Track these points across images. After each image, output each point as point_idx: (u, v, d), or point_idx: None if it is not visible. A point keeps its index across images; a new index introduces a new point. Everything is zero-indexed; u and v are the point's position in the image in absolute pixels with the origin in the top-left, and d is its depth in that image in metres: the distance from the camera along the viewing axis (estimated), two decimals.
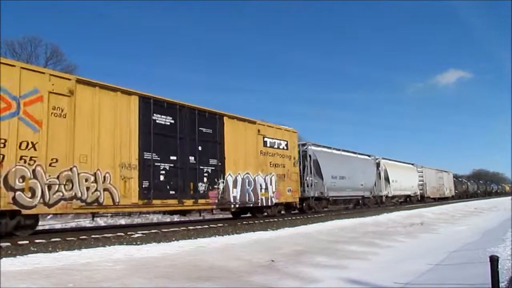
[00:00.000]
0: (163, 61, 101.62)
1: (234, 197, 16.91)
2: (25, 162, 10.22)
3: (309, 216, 20.81)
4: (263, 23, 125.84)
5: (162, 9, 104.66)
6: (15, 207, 9.99)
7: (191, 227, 14.41)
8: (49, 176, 10.65)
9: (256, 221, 17.16)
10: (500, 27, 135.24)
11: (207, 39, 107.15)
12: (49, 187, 10.65)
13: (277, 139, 19.95)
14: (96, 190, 11.72)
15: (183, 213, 19.93)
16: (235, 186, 16.95)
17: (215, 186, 15.98)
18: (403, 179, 36.42)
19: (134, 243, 10.97)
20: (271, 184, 19.04)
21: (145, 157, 13.24)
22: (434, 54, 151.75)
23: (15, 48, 35.92)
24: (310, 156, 23.64)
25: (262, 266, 9.22)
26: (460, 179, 62.02)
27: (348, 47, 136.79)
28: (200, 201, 15.33)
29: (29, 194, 10.22)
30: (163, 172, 13.86)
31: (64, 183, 10.95)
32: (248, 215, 20.00)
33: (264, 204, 18.63)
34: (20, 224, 10.49)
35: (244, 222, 16.65)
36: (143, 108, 13.42)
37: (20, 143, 10.16)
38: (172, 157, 14.20)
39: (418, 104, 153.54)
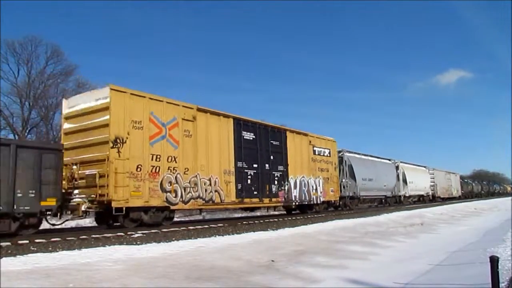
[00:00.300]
0: (163, 61, 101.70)
1: (295, 196, 20.35)
2: (170, 171, 13.83)
3: (309, 216, 20.82)
4: (263, 23, 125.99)
5: (162, 9, 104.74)
6: (166, 204, 13.63)
7: (191, 227, 14.40)
8: (184, 181, 14.29)
9: (256, 221, 17.18)
10: (500, 26, 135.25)
11: (207, 39, 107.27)
12: (184, 189, 14.31)
13: (323, 148, 23.65)
14: (210, 191, 15.38)
15: (252, 209, 22.80)
16: (295, 187, 20.44)
17: (282, 187, 19.47)
18: (418, 181, 39.93)
19: (134, 243, 10.96)
20: (319, 185, 22.62)
21: (238, 165, 16.81)
22: (434, 54, 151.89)
23: (15, 48, 35.88)
24: (345, 161, 27.48)
25: (263, 266, 9.21)
26: (465, 180, 65.34)
27: (348, 46, 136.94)
28: (273, 199, 18.87)
29: (174, 195, 13.88)
30: (250, 176, 17.40)
31: (193, 186, 14.64)
32: (297, 211, 22.99)
33: (315, 202, 22.22)
34: (166, 216, 14.08)
35: (244, 222, 16.65)
36: (236, 128, 17.05)
37: (168, 158, 13.79)
38: (254, 165, 17.72)
39: (419, 103, 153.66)
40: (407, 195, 37.27)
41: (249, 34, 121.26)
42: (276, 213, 25.17)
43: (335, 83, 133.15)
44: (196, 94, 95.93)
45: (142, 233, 12.27)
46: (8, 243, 9.61)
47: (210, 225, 15.38)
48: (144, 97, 13.48)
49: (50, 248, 9.55)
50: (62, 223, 13.04)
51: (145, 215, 13.23)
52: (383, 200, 33.47)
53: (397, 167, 36.08)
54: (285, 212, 23.67)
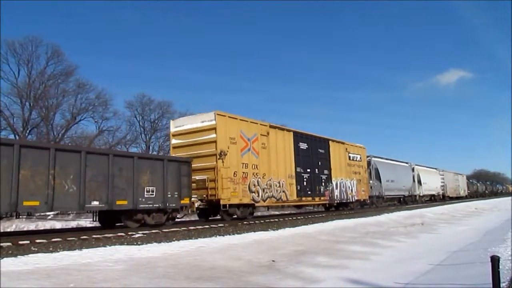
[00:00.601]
0: (163, 61, 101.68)
1: (337, 196, 24.05)
2: (254, 176, 17.47)
3: (309, 216, 20.83)
4: (263, 23, 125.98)
5: (162, 9, 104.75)
6: (252, 202, 17.27)
7: (191, 227, 14.39)
8: (263, 184, 17.88)
9: (257, 221, 17.18)
10: (500, 26, 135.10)
11: (207, 39, 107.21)
12: (263, 190, 17.86)
13: (355, 154, 27.48)
14: (280, 191, 18.94)
15: (300, 206, 26.31)
16: (336, 188, 24.10)
17: (328, 188, 23.19)
18: (430, 181, 43.74)
19: (135, 243, 10.96)
20: (353, 186, 26.39)
21: (297, 170, 20.49)
22: (435, 54, 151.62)
23: (16, 48, 35.89)
24: (372, 165, 31.17)
25: (263, 266, 9.22)
26: (471, 180, 69.26)
27: (348, 46, 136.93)
28: (322, 198, 22.68)
29: (257, 195, 17.44)
30: (305, 179, 21.17)
31: (268, 187, 18.21)
32: (332, 209, 26.39)
33: (350, 201, 25.96)
34: (250, 211, 17.90)
35: (245, 222, 16.65)
36: (295, 139, 20.78)
37: (252, 165, 17.41)
38: (308, 170, 21.47)
39: (419, 103, 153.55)
40: (421, 194, 41.05)
41: (249, 34, 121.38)
42: (316, 210, 29.35)
43: (335, 83, 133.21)
44: (196, 94, 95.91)
45: (143, 233, 12.28)
46: (9, 244, 9.62)
47: (211, 225, 15.37)
48: (236, 118, 17.19)
49: (51, 248, 9.55)
50: (182, 217, 15.90)
51: (237, 210, 16.77)
52: (401, 199, 37.03)
53: (413, 169, 39.91)
54: (323, 209, 27.29)
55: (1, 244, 9.47)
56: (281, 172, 19.29)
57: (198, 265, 8.76)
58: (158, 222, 13.78)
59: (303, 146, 21.44)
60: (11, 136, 34.71)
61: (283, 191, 19.21)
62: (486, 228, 19.09)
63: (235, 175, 16.41)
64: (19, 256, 8.48)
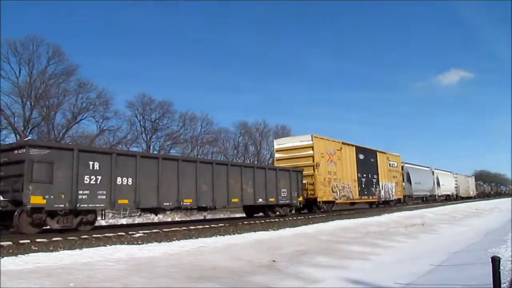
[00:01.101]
0: (164, 61, 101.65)
1: (382, 195, 30.72)
2: (334, 180, 23.59)
3: (310, 216, 20.83)
4: (263, 23, 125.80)
5: (163, 8, 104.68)
6: (333, 199, 23.49)
7: (192, 227, 14.40)
8: (339, 186, 23.95)
9: (257, 221, 17.18)
10: (501, 25, 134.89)
11: (208, 40, 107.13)
12: (339, 191, 23.96)
13: (393, 161, 34.04)
14: (349, 192, 25.32)
15: (353, 203, 29.86)
16: (382, 189, 30.66)
17: (377, 189, 29.70)
18: (446, 183, 50.76)
19: (135, 242, 10.96)
20: (393, 188, 32.93)
21: (358, 176, 26.91)
22: (435, 54, 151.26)
23: (17, 48, 35.89)
24: (405, 170, 37.43)
25: (264, 266, 9.21)
26: (478, 182, 75.12)
27: (349, 46, 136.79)
28: (373, 197, 29.41)
29: (336, 194, 23.68)
30: (363, 182, 27.61)
31: (342, 189, 24.24)
32: (373, 206, 32.75)
33: (391, 199, 32.57)
34: (331, 207, 23.88)
35: (246, 222, 16.65)
36: (356, 152, 27.16)
37: (333, 172, 23.48)
38: (364, 175, 27.85)
39: (419, 103, 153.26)
40: (439, 194, 47.68)
41: (249, 35, 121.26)
42: (363, 207, 33.07)
43: (335, 83, 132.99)
44: (197, 94, 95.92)
45: (143, 233, 12.29)
46: (10, 243, 9.63)
47: (211, 225, 15.38)
48: (323, 138, 23.83)
49: (51, 248, 9.55)
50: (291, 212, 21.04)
51: (324, 205, 23.04)
52: (424, 198, 43.38)
53: (433, 173, 46.48)
54: (367, 206, 32.75)
55: (2, 243, 9.48)
56: (349, 177, 25.85)
57: (199, 265, 8.76)
58: (285, 213, 20.13)
59: (361, 157, 27.70)
60: (12, 135, 34.79)
61: (351, 191, 25.80)
62: (487, 229, 19.08)
63: (324, 180, 22.91)
64: (19, 255, 8.47)
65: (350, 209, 28.22)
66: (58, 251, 9.27)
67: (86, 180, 11.54)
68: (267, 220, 17.88)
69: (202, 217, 22.51)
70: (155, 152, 43.46)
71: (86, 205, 11.53)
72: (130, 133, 44.60)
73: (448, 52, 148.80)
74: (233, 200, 16.70)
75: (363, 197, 27.52)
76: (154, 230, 12.98)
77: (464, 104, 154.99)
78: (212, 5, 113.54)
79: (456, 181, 55.22)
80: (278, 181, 19.21)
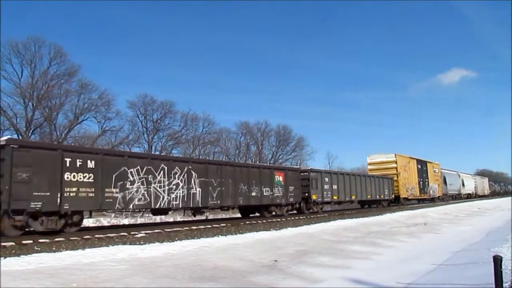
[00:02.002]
0: (166, 61, 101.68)
1: (431, 193, 43.60)
2: (407, 183, 37.27)
3: (312, 216, 20.84)
4: (264, 23, 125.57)
5: (165, 9, 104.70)
6: (407, 196, 37.36)
7: (194, 227, 14.42)
8: (409, 187, 37.56)
9: (259, 221, 17.21)
10: (503, 24, 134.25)
11: (209, 40, 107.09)
12: (409, 190, 37.58)
13: (435, 168, 46.65)
14: (414, 191, 38.52)
15: (408, 199, 39.20)
16: (430, 189, 43.45)
17: (428, 189, 42.62)
18: (468, 184, 62.37)
19: (138, 243, 10.99)
20: (436, 188, 45.84)
21: (418, 180, 40.21)
22: (437, 53, 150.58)
23: (19, 49, 35.94)
24: (442, 174, 49.92)
25: (265, 266, 9.23)
26: (491, 182, 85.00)
27: (350, 46, 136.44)
28: (426, 195, 41.79)
29: (409, 193, 37.67)
30: (421, 184, 40.80)
31: (411, 189, 37.95)
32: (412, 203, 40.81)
33: (436, 196, 45.20)
34: (406, 201, 37.62)
35: (247, 222, 16.68)
36: (416, 163, 40.62)
37: (406, 178, 37.07)
38: (420, 179, 40.77)
39: (421, 103, 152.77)
40: (463, 193, 58.74)
41: (250, 35, 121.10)
42: (415, 204, 39.18)
43: (336, 83, 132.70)
44: (198, 94, 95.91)
45: (145, 233, 12.32)
46: (13, 243, 9.67)
47: (213, 225, 15.41)
48: (401, 155, 36.38)
49: (54, 248, 9.60)
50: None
51: (404, 200, 35.90)
52: (453, 196, 54.11)
53: (459, 176, 58.46)
54: (417, 202, 41.41)
55: (5, 244, 9.52)
56: (413, 181, 39.13)
57: (201, 265, 8.77)
58: (386, 205, 32.66)
59: (419, 166, 41.18)
60: (14, 136, 34.84)
61: (415, 191, 39.02)
62: (489, 228, 19.04)
63: (403, 183, 35.79)
64: (22, 256, 8.51)
65: (353, 209, 29.74)
66: (60, 251, 9.31)
67: None
68: (268, 220, 17.90)
69: (204, 217, 22.52)
70: (157, 152, 43.50)
71: None
72: (132, 134, 44.60)
73: (450, 51, 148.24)
74: (353, 196, 27.65)
75: (421, 194, 40.94)
76: (156, 231, 13.01)
77: (465, 103, 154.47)
78: (213, 5, 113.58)
79: (475, 182, 67.33)
80: (381, 184, 32.17)
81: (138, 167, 13.54)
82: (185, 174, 15.15)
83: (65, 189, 11.28)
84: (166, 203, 14.32)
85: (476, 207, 37.62)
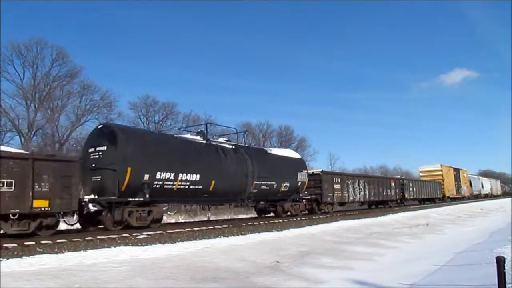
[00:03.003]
0: (168, 62, 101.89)
1: (463, 193, 58.24)
2: (448, 186, 52.37)
3: (314, 217, 20.82)
4: (265, 23, 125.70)
5: (166, 10, 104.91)
6: (449, 195, 52.35)
7: (196, 228, 14.42)
8: (450, 188, 52.35)
9: (261, 222, 17.19)
10: (506, 24, 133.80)
11: (210, 41, 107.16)
12: (450, 191, 52.26)
13: (464, 174, 60.46)
14: (453, 191, 53.78)
15: (443, 198, 50.23)
16: (462, 190, 58.25)
17: (460, 190, 57.40)
18: (486, 185, 74.79)
19: (140, 244, 10.99)
20: (465, 189, 60.14)
21: (454, 183, 55.03)
22: (439, 53, 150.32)
23: (21, 50, 36.06)
24: (469, 178, 62.78)
25: (267, 267, 9.22)
26: (502, 184, 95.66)
27: (351, 46, 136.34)
28: (459, 194, 55.84)
29: (450, 193, 52.21)
30: (456, 186, 55.74)
31: (452, 189, 53.29)
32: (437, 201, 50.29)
33: (465, 196, 59.19)
34: (448, 199, 52.07)
35: (249, 223, 16.67)
36: (453, 170, 55.87)
37: (446, 182, 51.53)
38: (456, 182, 56.24)
39: (424, 104, 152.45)
40: (483, 194, 70.20)
41: (251, 35, 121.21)
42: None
43: (337, 83, 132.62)
44: (201, 95, 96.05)
45: (147, 234, 12.33)
46: (15, 244, 9.69)
47: (215, 226, 15.41)
48: (444, 165, 51.72)
49: (56, 249, 9.60)
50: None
51: (447, 198, 50.32)
52: (476, 196, 65.47)
53: (479, 179, 72.26)
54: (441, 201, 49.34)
55: (7, 245, 9.54)
56: (451, 184, 52.35)
57: (203, 266, 8.77)
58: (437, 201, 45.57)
59: (455, 173, 54.40)
60: (16, 138, 34.95)
61: (453, 191, 52.39)
62: (492, 229, 18.99)
63: (446, 186, 49.63)
64: (24, 257, 8.51)
65: (357, 209, 31.03)
66: (62, 252, 9.31)
67: None
68: (271, 221, 17.89)
69: (205, 218, 22.51)
70: None
71: None
72: None
73: (452, 52, 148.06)
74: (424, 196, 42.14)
75: (457, 194, 54.42)
76: (158, 232, 13.02)
77: (468, 104, 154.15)
78: (215, 5, 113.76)
79: (490, 184, 79.70)
80: (433, 186, 44.99)
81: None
82: None
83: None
84: None
85: (478, 207, 37.54)
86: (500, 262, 4.48)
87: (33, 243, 9.99)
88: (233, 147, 18.62)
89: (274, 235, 13.88)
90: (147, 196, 13.57)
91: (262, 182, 18.74)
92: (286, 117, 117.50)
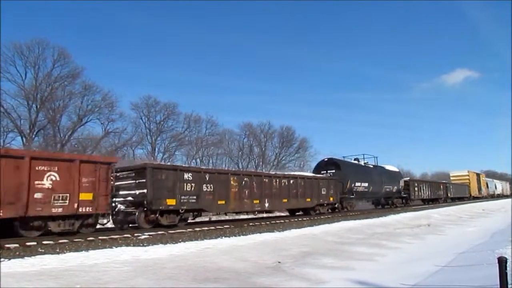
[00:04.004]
0: (169, 63, 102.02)
1: (482, 193, 67.47)
2: (473, 187, 63.78)
3: (315, 218, 20.81)
4: (266, 23, 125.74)
5: (168, 10, 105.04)
6: (475, 195, 63.15)
7: (197, 229, 14.42)
8: (474, 188, 63.36)
9: (262, 222, 17.19)
10: (507, 25, 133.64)
11: (211, 41, 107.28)
12: (474, 191, 62.48)
13: (482, 178, 70.95)
14: (479, 191, 66.27)
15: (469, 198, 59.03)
16: (482, 190, 67.98)
17: (481, 191, 67.11)
18: (498, 187, 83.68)
19: (141, 244, 11.00)
20: (483, 190, 69.26)
21: (477, 186, 65.33)
22: (440, 54, 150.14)
23: (23, 51, 36.14)
24: (487, 181, 74.84)
25: (269, 268, 9.21)
26: (510, 185, 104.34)
27: (353, 47, 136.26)
28: (480, 194, 65.46)
29: (474, 193, 63.49)
30: (477, 187, 65.80)
31: (478, 190, 66.12)
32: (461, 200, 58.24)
33: (484, 196, 67.76)
34: (472, 198, 61.09)
35: (251, 224, 16.66)
36: (476, 175, 66.97)
37: (472, 184, 62.75)
38: (477, 184, 66.21)
39: (424, 104, 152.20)
40: (496, 193, 78.77)
41: (252, 35, 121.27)
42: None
43: (339, 83, 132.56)
44: (202, 96, 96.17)
45: (149, 235, 12.33)
46: (16, 245, 9.71)
47: (217, 227, 15.40)
48: (470, 171, 63.57)
49: (57, 250, 9.61)
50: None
51: (472, 197, 60.05)
52: (491, 195, 73.43)
53: (493, 181, 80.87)
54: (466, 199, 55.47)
55: (9, 246, 9.56)
56: (475, 186, 62.72)
57: (204, 266, 8.77)
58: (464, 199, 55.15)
59: (475, 177, 64.01)
60: (18, 138, 35.04)
61: (477, 192, 62.55)
62: (493, 229, 18.96)
63: (472, 187, 60.81)
64: (26, 257, 8.53)
65: (359, 210, 30.74)
66: (64, 253, 9.32)
67: None
68: (272, 222, 17.89)
69: (207, 219, 22.50)
70: (160, 153, 43.61)
71: None
72: (135, 135, 44.79)
73: (454, 52, 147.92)
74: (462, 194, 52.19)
75: (479, 194, 63.19)
76: (159, 232, 13.02)
77: (469, 104, 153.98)
78: (216, 6, 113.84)
79: (502, 185, 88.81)
80: (463, 188, 55.48)
81: None
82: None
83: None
84: None
85: (480, 208, 37.48)
86: (502, 262, 4.48)
87: (35, 243, 10.00)
88: (374, 166, 32.28)
89: (275, 236, 13.87)
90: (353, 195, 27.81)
91: (386, 186, 32.39)
92: (287, 118, 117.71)
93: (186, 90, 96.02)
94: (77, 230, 12.05)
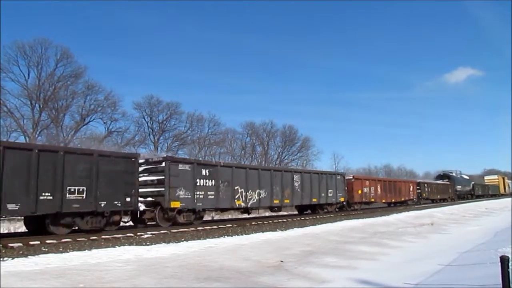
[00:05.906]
0: (171, 62, 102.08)
1: (505, 192, 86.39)
2: (501, 188, 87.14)
3: (318, 217, 20.81)
4: (266, 23, 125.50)
5: (170, 10, 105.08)
6: (502, 193, 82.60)
7: (200, 228, 14.45)
8: (501, 188, 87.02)
9: (265, 222, 17.21)
10: (508, 23, 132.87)
11: (212, 41, 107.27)
12: (500, 190, 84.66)
13: (506, 179, 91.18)
14: (504, 191, 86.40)
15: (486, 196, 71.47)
16: (504, 189, 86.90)
17: (504, 190, 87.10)
18: (511, 186, 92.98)
19: (144, 243, 11.04)
20: (508, 188, 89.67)
21: (503, 186, 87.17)
22: (443, 52, 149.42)
23: (26, 50, 36.24)
24: (507, 182, 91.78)
25: (271, 267, 9.22)
26: None
27: (356, 46, 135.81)
28: (504, 193, 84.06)
29: (503, 191, 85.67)
30: (503, 187, 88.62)
31: (504, 189, 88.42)
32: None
33: (506, 193, 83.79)
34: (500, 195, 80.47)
35: (253, 223, 16.68)
36: (502, 179, 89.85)
37: (500, 184, 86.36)
38: (503, 186, 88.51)
39: (427, 102, 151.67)
40: (507, 193, 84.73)
41: (253, 35, 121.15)
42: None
43: (340, 83, 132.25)
44: (204, 95, 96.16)
45: (152, 234, 12.38)
46: (20, 244, 9.76)
47: (219, 226, 15.43)
48: (499, 175, 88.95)
49: (61, 249, 9.66)
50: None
51: (500, 195, 77.20)
52: (510, 193, 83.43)
53: (506, 180, 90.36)
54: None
55: (12, 245, 9.61)
56: (502, 186, 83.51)
57: (207, 265, 8.79)
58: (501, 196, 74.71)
59: (503, 180, 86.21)
60: (21, 138, 35.15)
61: (505, 189, 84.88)
62: (496, 228, 18.87)
63: (500, 187, 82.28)
64: (29, 256, 8.58)
65: (367, 208, 31.90)
66: (67, 252, 9.37)
67: None
68: (274, 221, 17.91)
69: (210, 218, 22.53)
70: (163, 152, 43.64)
71: None
72: (138, 135, 44.85)
73: (457, 50, 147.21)
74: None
75: (504, 192, 78.11)
76: (162, 231, 13.06)
77: (472, 102, 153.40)
78: (218, 5, 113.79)
79: (510, 183, 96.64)
80: (494, 187, 77.57)
81: None
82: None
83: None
84: None
85: (483, 207, 37.37)
86: (504, 261, 4.46)
87: (38, 242, 10.05)
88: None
89: (278, 235, 13.89)
90: None
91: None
92: (290, 117, 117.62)
93: (188, 89, 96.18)
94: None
